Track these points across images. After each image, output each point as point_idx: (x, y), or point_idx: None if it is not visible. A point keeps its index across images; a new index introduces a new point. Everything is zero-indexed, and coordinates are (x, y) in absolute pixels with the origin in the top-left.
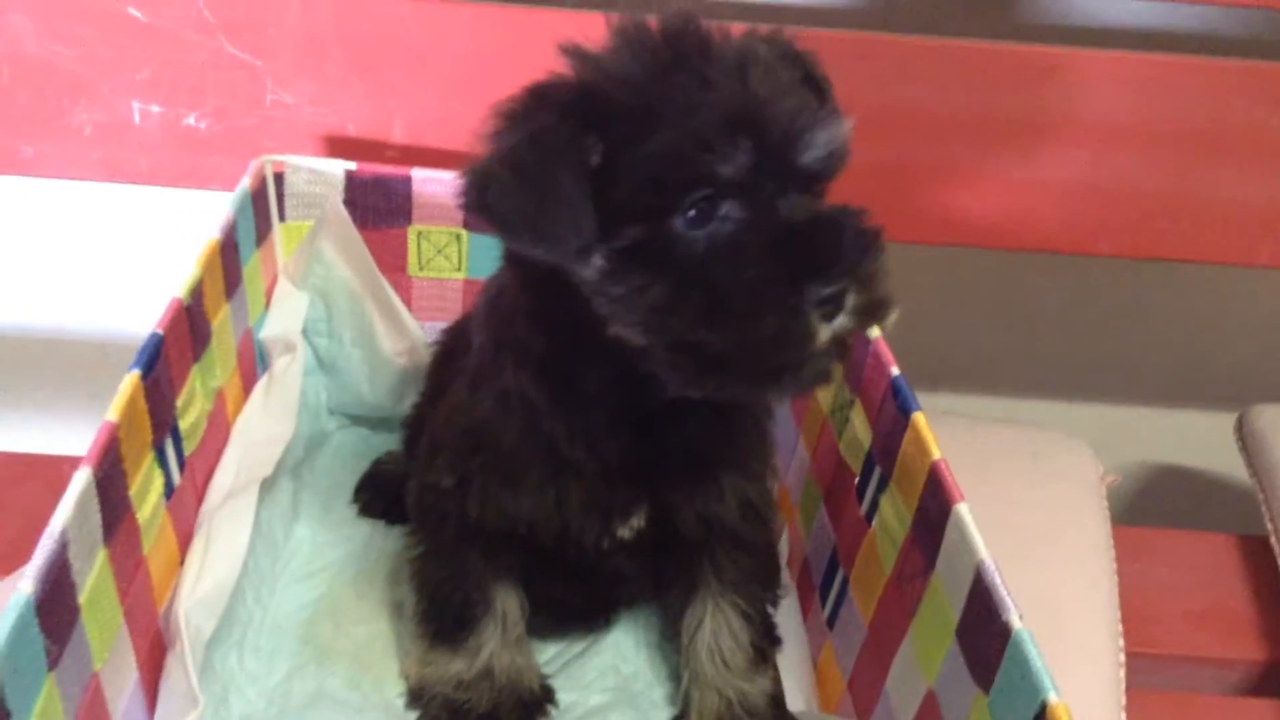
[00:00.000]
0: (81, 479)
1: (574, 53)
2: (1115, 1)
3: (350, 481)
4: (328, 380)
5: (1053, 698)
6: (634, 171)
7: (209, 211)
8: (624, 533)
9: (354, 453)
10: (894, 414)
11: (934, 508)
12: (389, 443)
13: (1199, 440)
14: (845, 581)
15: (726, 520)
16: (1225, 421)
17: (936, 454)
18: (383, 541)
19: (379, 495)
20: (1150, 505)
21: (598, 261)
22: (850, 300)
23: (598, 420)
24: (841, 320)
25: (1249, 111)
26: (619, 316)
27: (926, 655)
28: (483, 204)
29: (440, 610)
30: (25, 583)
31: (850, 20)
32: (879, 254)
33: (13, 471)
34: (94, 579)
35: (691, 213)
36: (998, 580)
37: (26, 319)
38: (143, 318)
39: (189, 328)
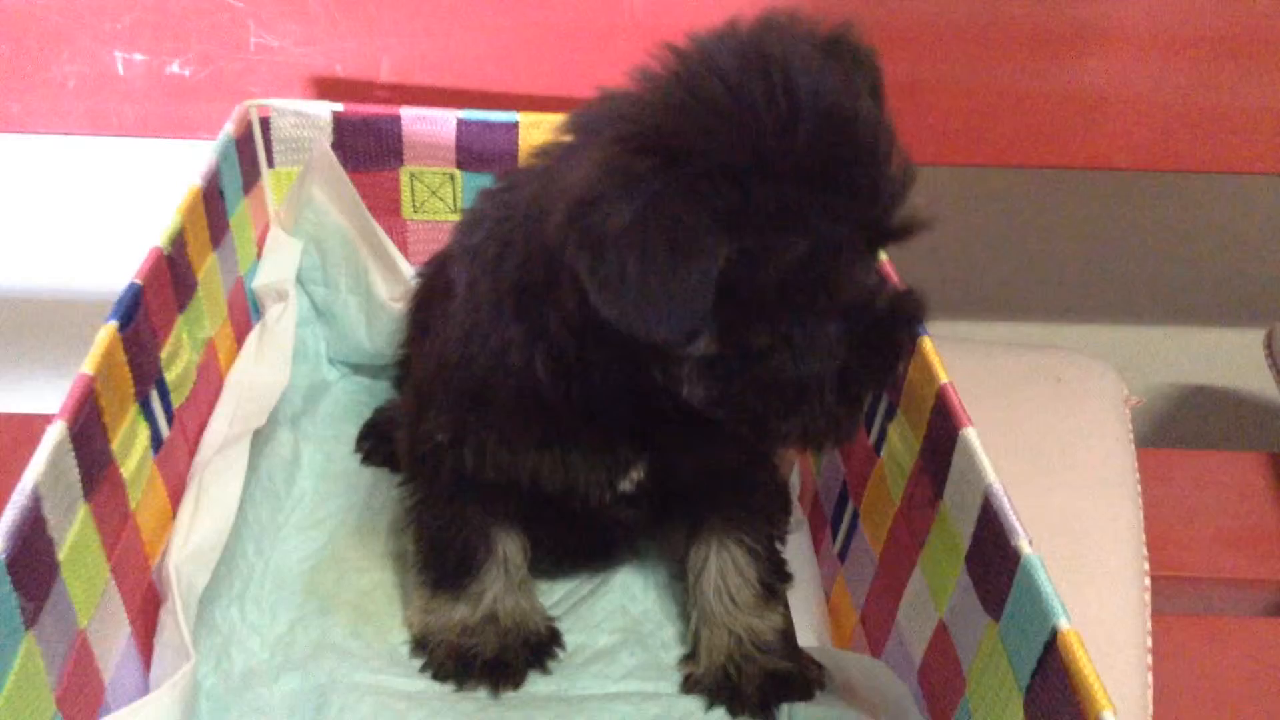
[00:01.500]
0: (54, 434)
1: (704, 109)
2: None
3: (352, 431)
4: (325, 329)
5: (1063, 624)
6: (763, 278)
7: (193, 162)
8: (625, 486)
9: (355, 401)
10: None
11: (942, 433)
12: (390, 391)
13: (1227, 358)
14: (855, 514)
15: (730, 464)
16: (1252, 338)
17: (944, 378)
18: (386, 490)
19: (382, 443)
20: (1179, 427)
21: (698, 344)
22: None
23: (600, 393)
24: None
25: (1274, 13)
26: (697, 388)
27: (937, 585)
28: (593, 272)
29: (440, 557)
30: None
31: None
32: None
33: (12, 434)
34: (74, 535)
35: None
36: (1006, 505)
37: (15, 279)
38: (123, 273)
39: (171, 277)
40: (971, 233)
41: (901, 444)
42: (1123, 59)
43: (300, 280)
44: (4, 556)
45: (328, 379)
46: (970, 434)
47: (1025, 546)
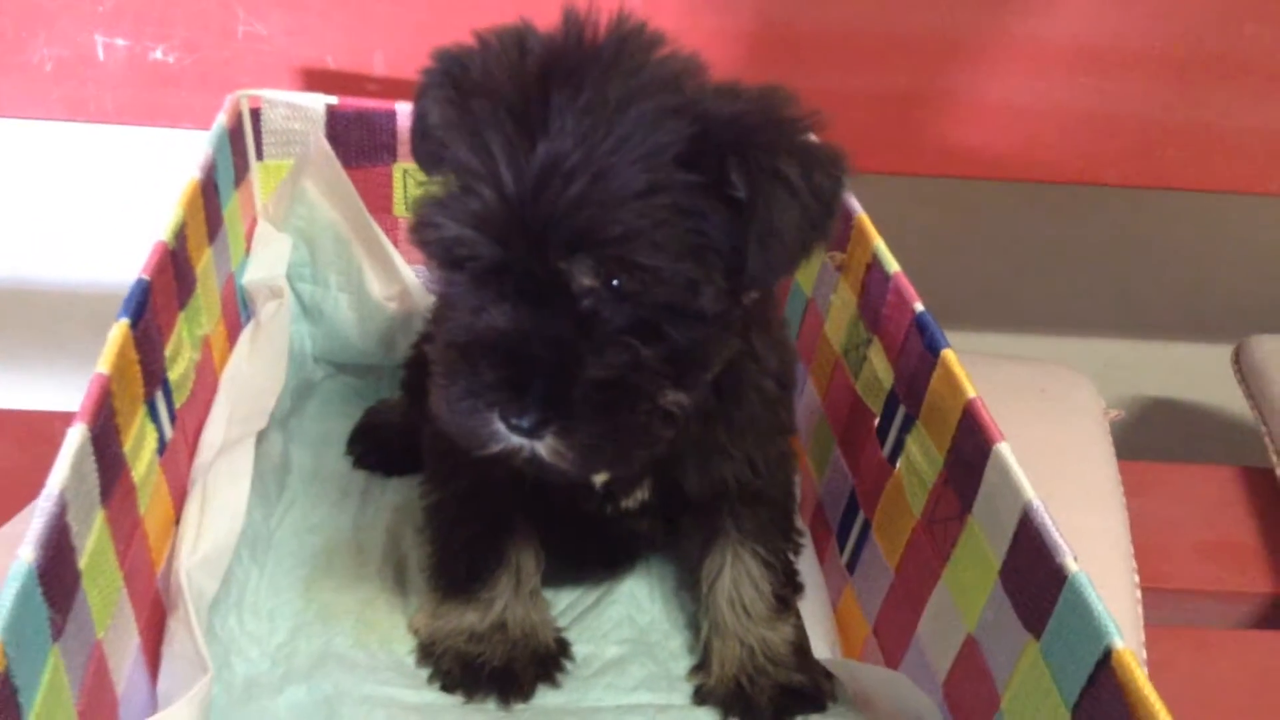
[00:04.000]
0: (76, 436)
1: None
2: None
3: (341, 432)
4: (312, 328)
5: (1118, 643)
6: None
7: (179, 152)
8: (629, 504)
9: (343, 402)
10: (920, 352)
11: (970, 448)
12: (378, 390)
13: (1195, 372)
14: (867, 525)
15: (741, 480)
16: (1220, 353)
17: (971, 392)
18: (380, 494)
19: (375, 446)
20: (1146, 439)
21: None
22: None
23: None
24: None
25: (1260, 35)
26: None
27: (965, 600)
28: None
29: (453, 562)
30: (26, 549)
31: None
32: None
33: None
34: (93, 542)
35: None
36: (1048, 522)
37: None
38: (108, 266)
39: (174, 273)
40: (948, 244)
41: (923, 457)
42: (1115, 76)
43: (288, 277)
44: (35, 566)
45: (314, 379)
46: (1004, 449)
47: (1071, 564)
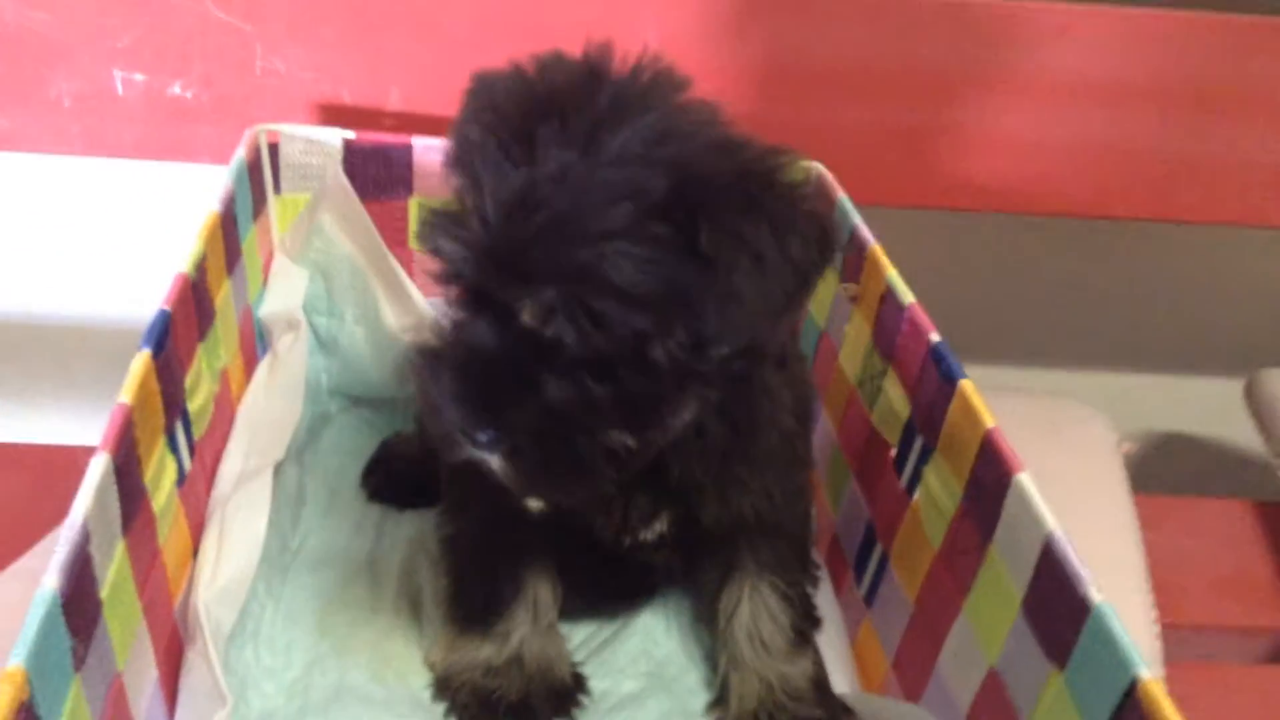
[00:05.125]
0: (99, 465)
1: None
2: None
3: (356, 465)
4: (328, 360)
5: (1144, 673)
6: None
7: (195, 187)
8: (647, 536)
9: (357, 435)
10: (937, 382)
11: (990, 478)
12: (394, 423)
13: (1207, 406)
14: (885, 557)
15: (760, 513)
16: (1232, 387)
17: (990, 422)
18: (395, 527)
19: (390, 479)
20: (1158, 473)
21: None
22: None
23: None
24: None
25: (1269, 70)
26: None
27: (986, 633)
28: None
29: (470, 594)
30: (50, 577)
31: None
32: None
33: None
34: (114, 572)
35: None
36: (1070, 553)
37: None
38: (122, 300)
39: (194, 305)
40: (958, 277)
41: (941, 488)
42: (1125, 111)
43: (304, 309)
44: (59, 593)
45: (329, 412)
46: (1025, 480)
47: (1095, 594)
